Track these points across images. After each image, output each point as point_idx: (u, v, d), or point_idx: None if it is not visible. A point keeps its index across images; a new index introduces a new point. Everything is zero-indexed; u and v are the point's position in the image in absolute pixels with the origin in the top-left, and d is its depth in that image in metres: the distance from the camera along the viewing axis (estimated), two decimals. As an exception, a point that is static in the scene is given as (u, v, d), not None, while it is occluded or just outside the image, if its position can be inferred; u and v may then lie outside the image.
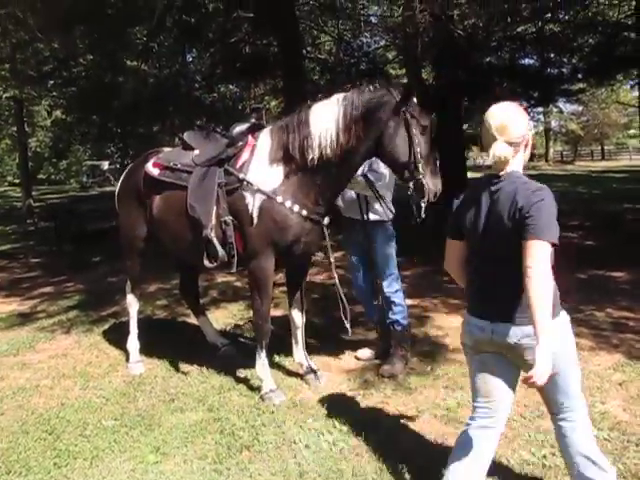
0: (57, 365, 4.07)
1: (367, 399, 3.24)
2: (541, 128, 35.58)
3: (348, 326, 3.32)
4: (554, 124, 37.75)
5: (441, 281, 5.83)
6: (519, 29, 9.99)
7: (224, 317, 5.01)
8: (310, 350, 3.87)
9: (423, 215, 3.09)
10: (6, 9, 8.97)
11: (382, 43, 13.50)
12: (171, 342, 4.31)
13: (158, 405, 3.30)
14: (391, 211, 3.56)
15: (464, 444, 2.03)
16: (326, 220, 3.22)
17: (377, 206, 3.51)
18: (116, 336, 4.50)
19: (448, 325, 4.43)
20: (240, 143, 3.26)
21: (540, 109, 26.43)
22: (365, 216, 3.50)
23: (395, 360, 3.60)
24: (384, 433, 2.81)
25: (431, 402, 3.15)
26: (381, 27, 12.97)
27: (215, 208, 3.18)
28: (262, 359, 3.32)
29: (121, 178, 3.93)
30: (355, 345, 3.97)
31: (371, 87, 3.06)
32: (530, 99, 11.09)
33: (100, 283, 6.73)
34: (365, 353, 3.85)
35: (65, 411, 3.28)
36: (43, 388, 3.66)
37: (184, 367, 3.84)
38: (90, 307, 5.61)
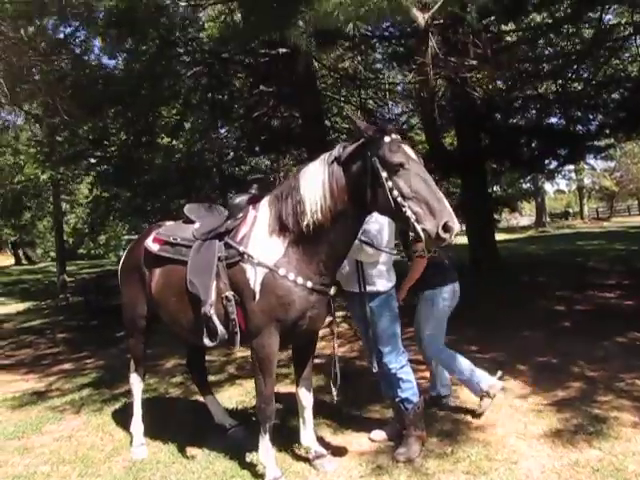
0: (60, 449, 3.90)
1: (379, 489, 2.95)
2: (574, 186, 35.14)
3: (334, 394, 3.12)
4: (587, 181, 37.23)
5: (468, 350, 5.51)
6: (541, 89, 9.99)
7: (238, 395, 4.78)
8: (320, 430, 3.63)
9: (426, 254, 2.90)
10: (39, 98, 9.62)
11: (405, 109, 13.80)
12: (181, 423, 4.11)
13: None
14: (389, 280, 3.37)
15: None
16: (332, 290, 3.05)
17: (375, 277, 3.33)
18: (125, 416, 4.29)
19: (472, 400, 4.08)
20: (240, 215, 3.18)
21: (572, 167, 26.29)
22: (362, 288, 3.32)
23: (410, 442, 3.29)
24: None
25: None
26: (401, 93, 13.26)
27: (215, 283, 3.05)
28: (265, 443, 3.08)
29: (124, 254, 3.89)
30: (370, 425, 3.69)
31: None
32: (558, 157, 10.94)
33: (119, 359, 6.61)
34: (379, 434, 3.56)
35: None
36: (40, 476, 3.48)
37: (190, 450, 3.62)
38: (105, 385, 5.49)
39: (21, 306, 13.66)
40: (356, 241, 3.12)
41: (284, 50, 10.13)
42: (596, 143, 10.79)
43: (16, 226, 29.14)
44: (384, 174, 2.62)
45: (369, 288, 3.34)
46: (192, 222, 3.41)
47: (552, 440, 3.33)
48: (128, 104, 10.91)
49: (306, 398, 3.29)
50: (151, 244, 3.46)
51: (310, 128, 10.51)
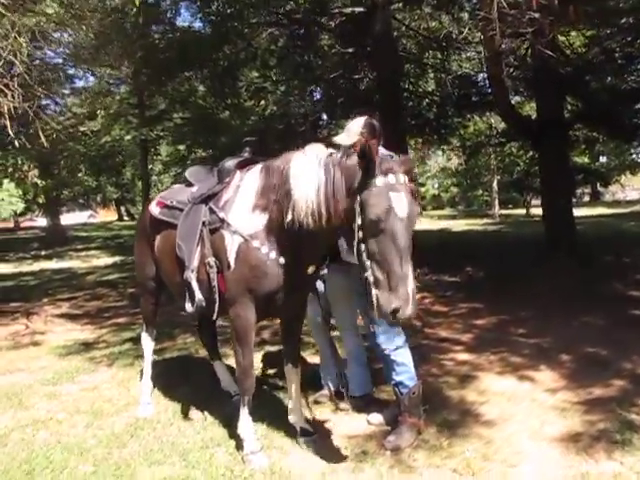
0: (81, 399, 4.10)
1: (355, 475, 2.77)
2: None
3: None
4: None
5: (513, 333, 5.10)
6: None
7: (257, 363, 4.76)
8: (320, 408, 3.53)
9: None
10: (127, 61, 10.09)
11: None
12: (190, 385, 4.17)
13: (142, 454, 3.12)
14: None
15: None
16: (310, 269, 2.85)
17: None
18: (159, 371, 4.48)
19: (493, 389, 3.76)
20: (227, 179, 3.06)
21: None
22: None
23: (402, 429, 3.07)
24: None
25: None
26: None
27: (200, 248, 2.99)
28: (245, 416, 3.00)
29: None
30: (374, 407, 3.50)
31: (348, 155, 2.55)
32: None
33: (172, 315, 6.82)
34: (377, 418, 3.35)
35: (54, 450, 3.23)
36: (54, 423, 3.68)
37: (192, 413, 3.66)
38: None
39: (110, 260, 14.68)
40: None
41: (360, 9, 9.75)
42: None
43: (118, 184, 31.45)
44: (358, 221, 2.31)
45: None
46: (192, 185, 3.35)
47: (566, 445, 2.95)
48: (212, 65, 11.11)
49: (292, 375, 3.16)
50: (154, 207, 3.47)
51: (387, 93, 10.08)
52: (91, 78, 13.99)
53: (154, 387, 4.08)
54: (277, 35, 11.89)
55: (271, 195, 2.73)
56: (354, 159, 2.44)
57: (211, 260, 2.92)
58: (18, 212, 20.30)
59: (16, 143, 7.25)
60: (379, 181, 2.30)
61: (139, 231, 3.77)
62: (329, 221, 2.50)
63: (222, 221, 2.90)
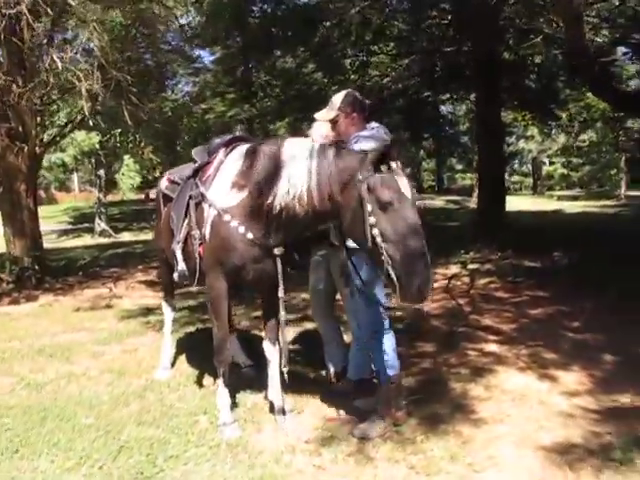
0: (117, 360, 4.50)
1: (310, 457, 2.73)
2: None
3: (284, 370, 2.90)
4: None
5: (564, 326, 4.63)
6: None
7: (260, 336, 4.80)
8: (309, 387, 3.51)
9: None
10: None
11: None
12: (206, 355, 4.33)
13: (137, 415, 3.35)
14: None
15: None
16: (278, 250, 2.81)
17: None
18: (189, 341, 4.77)
19: (504, 386, 3.46)
20: (213, 156, 3.13)
21: None
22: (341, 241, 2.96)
23: (374, 419, 2.95)
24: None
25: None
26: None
27: (187, 221, 3.12)
28: (220, 386, 3.12)
29: (157, 191, 4.16)
30: (365, 388, 3.39)
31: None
32: None
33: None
34: (363, 403, 3.24)
35: (71, 402, 3.59)
36: (84, 378, 4.08)
37: (203, 380, 3.85)
38: (201, 310, 6.02)
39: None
40: None
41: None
42: None
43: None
44: (369, 207, 2.33)
45: (349, 243, 2.99)
46: (195, 162, 3.47)
47: (553, 456, 2.63)
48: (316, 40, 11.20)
49: (270, 352, 3.17)
50: (162, 182, 3.69)
51: (484, 64, 9.45)
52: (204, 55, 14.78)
53: (180, 354, 4.36)
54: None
55: (254, 175, 2.74)
56: (351, 149, 2.57)
57: (194, 232, 3.04)
58: (135, 186, 22.31)
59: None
60: (384, 167, 2.37)
61: (156, 205, 3.99)
62: (317, 208, 2.53)
63: (202, 195, 3.01)
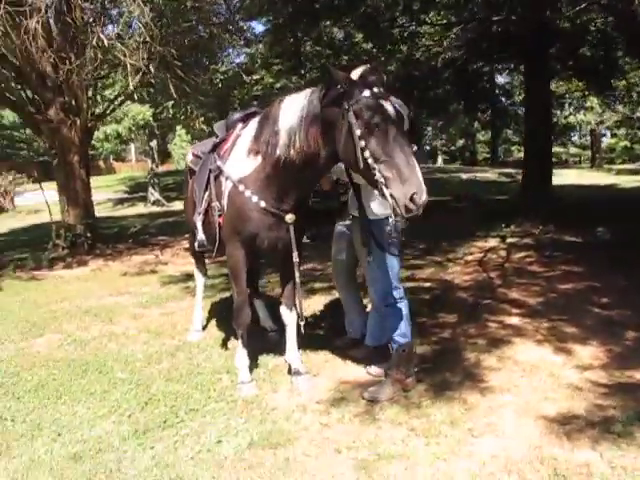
0: (155, 321, 4.82)
1: (319, 416, 2.91)
2: None
3: (301, 324, 3.14)
4: None
5: (592, 302, 4.58)
6: None
7: (316, 304, 4.99)
8: (325, 351, 3.68)
9: (397, 231, 2.67)
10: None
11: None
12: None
13: (166, 371, 3.63)
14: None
15: None
16: (289, 217, 2.96)
17: (371, 201, 3.03)
18: (222, 306, 5.02)
19: (517, 358, 3.50)
20: (231, 131, 3.28)
21: None
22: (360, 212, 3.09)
23: (385, 383, 3.10)
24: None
25: (363, 439, 2.65)
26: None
27: (208, 193, 3.30)
28: (239, 348, 3.35)
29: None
30: (380, 356, 3.53)
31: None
32: None
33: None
34: (376, 369, 3.39)
35: (109, 358, 3.92)
36: (124, 337, 4.42)
37: (229, 343, 4.08)
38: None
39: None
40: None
41: None
42: None
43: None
44: (358, 131, 2.45)
45: (365, 212, 3.10)
46: (217, 137, 3.63)
47: (553, 426, 2.69)
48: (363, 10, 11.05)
49: (287, 316, 3.36)
50: (189, 156, 3.87)
51: (531, 34, 9.09)
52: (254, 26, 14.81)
53: (212, 317, 4.63)
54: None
55: (263, 137, 2.90)
56: (331, 91, 2.60)
57: (214, 204, 3.22)
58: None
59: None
60: (367, 92, 2.48)
61: (184, 177, 4.20)
62: (310, 148, 2.68)
63: (219, 169, 3.19)
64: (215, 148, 3.35)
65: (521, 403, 2.93)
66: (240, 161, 3.07)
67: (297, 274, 3.05)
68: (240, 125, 3.28)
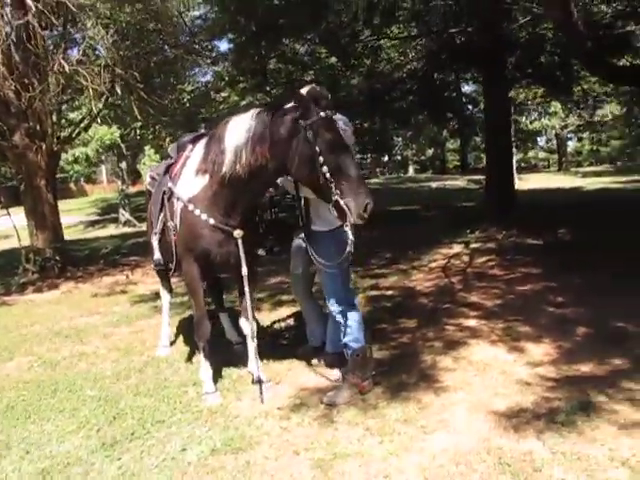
0: (124, 339, 4.88)
1: (280, 421, 3.02)
2: None
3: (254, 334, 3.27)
4: None
5: (547, 302, 4.79)
6: None
7: (281, 316, 5.10)
8: (287, 360, 3.79)
9: (351, 241, 2.81)
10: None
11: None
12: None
13: (135, 387, 3.70)
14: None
15: None
16: (237, 232, 3.11)
17: (318, 215, 3.19)
18: (190, 322, 5.05)
19: (472, 358, 3.67)
20: (181, 152, 3.44)
21: None
22: (305, 224, 3.25)
23: (342, 387, 3.23)
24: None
25: (321, 440, 2.77)
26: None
27: (163, 214, 3.44)
28: (202, 360, 3.45)
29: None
30: (340, 362, 3.65)
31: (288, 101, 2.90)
32: None
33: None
34: (335, 375, 3.52)
35: (79, 377, 3.97)
36: (94, 356, 4.47)
37: (196, 356, 4.12)
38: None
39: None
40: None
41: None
42: None
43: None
44: (317, 148, 2.69)
45: (313, 227, 3.26)
46: (171, 159, 3.77)
47: (501, 420, 2.83)
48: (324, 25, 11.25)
49: (245, 327, 3.48)
50: (147, 179, 4.02)
51: (485, 42, 9.43)
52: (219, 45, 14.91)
53: (181, 333, 4.71)
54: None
55: (210, 156, 3.06)
56: (283, 109, 2.85)
57: (170, 223, 3.35)
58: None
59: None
60: (324, 114, 2.75)
61: (145, 199, 4.33)
62: (257, 162, 2.85)
63: (171, 190, 3.34)
64: (168, 170, 3.49)
65: (473, 400, 3.09)
66: (189, 181, 3.21)
67: (246, 287, 3.19)
68: (190, 147, 3.43)
